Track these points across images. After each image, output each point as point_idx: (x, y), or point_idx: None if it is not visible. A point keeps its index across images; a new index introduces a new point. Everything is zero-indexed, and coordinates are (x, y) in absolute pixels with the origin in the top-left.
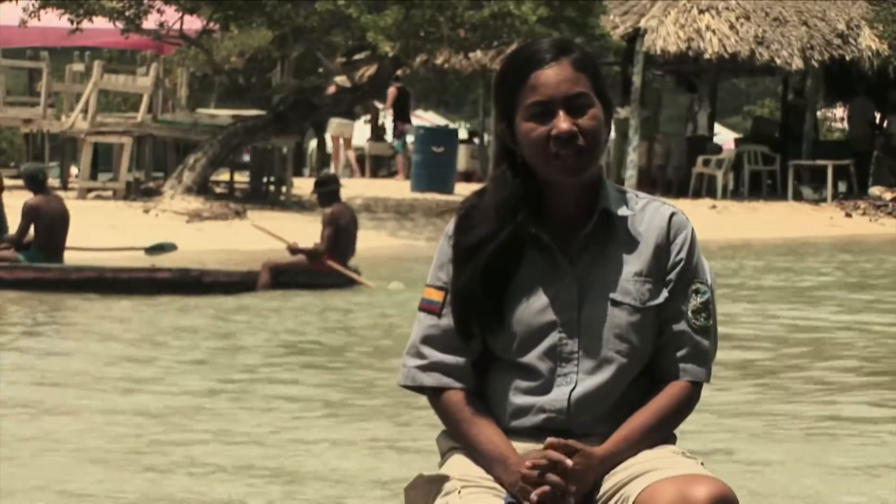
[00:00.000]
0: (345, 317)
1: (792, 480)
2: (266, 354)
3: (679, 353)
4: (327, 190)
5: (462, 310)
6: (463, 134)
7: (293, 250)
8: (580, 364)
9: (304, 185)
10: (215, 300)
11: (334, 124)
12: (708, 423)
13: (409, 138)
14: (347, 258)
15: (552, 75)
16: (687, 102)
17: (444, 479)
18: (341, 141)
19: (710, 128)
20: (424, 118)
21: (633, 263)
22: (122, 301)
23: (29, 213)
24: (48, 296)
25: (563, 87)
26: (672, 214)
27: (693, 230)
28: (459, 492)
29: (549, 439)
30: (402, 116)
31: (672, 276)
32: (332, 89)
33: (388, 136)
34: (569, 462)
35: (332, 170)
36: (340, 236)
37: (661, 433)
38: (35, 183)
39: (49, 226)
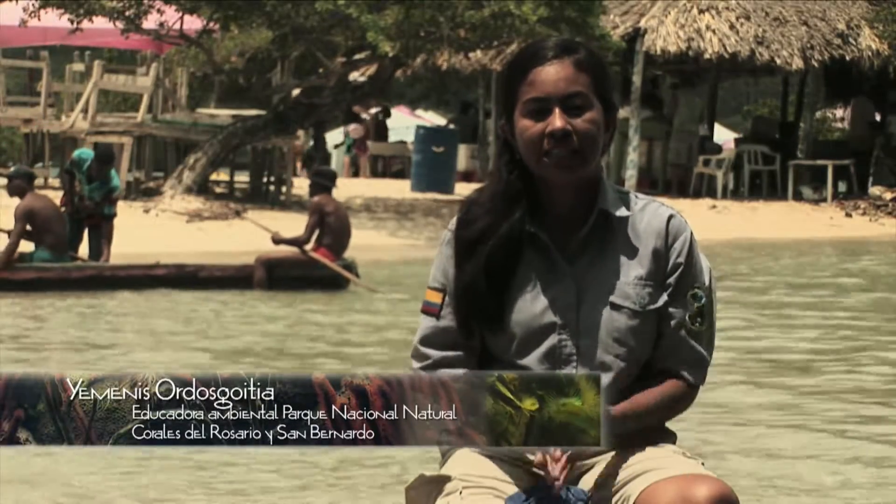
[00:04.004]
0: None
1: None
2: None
3: (675, 358)
4: (316, 180)
5: (463, 307)
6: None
7: (276, 240)
8: (578, 367)
9: (304, 185)
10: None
11: None
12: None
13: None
14: (340, 251)
15: (551, 73)
16: (704, 102)
17: (446, 479)
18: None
19: (711, 128)
20: (424, 118)
21: (633, 266)
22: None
23: (24, 215)
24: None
25: (561, 86)
26: (670, 217)
27: (692, 233)
28: (461, 492)
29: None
30: (346, 120)
31: (671, 280)
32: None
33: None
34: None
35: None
36: (327, 227)
37: (659, 415)
38: (26, 181)
39: (46, 223)
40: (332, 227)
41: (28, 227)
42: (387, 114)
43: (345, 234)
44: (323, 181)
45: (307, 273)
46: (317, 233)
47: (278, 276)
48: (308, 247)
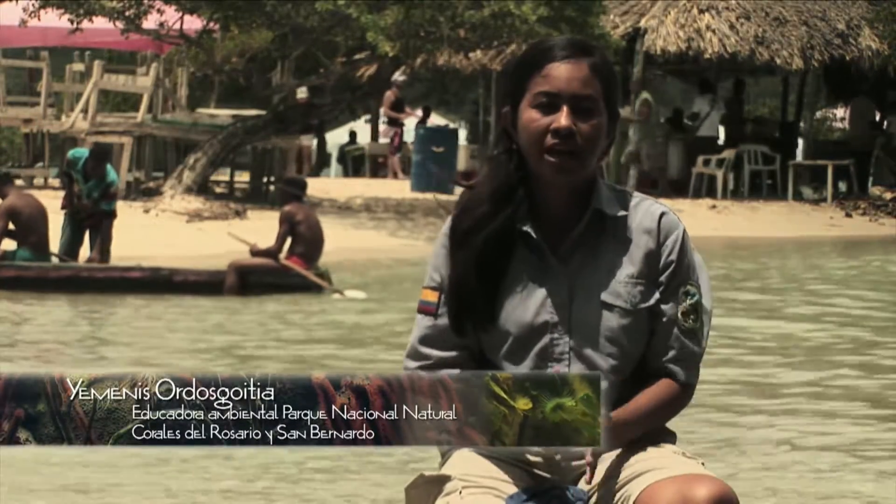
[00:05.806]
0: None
1: None
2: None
3: (667, 355)
4: (285, 188)
5: (456, 303)
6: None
7: (253, 253)
8: (570, 366)
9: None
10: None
11: None
12: None
13: None
14: (313, 259)
15: (566, 70)
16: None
17: (446, 478)
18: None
19: (717, 129)
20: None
21: (625, 265)
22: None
23: (6, 213)
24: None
25: (574, 85)
26: (662, 214)
27: (684, 230)
28: (460, 492)
29: None
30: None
31: (663, 277)
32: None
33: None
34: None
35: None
36: (299, 236)
37: (659, 417)
38: (5, 182)
39: (29, 222)
40: (303, 236)
41: (11, 226)
42: (427, 114)
43: (317, 242)
44: (292, 190)
45: (281, 280)
46: (289, 242)
47: (252, 282)
48: (280, 256)
